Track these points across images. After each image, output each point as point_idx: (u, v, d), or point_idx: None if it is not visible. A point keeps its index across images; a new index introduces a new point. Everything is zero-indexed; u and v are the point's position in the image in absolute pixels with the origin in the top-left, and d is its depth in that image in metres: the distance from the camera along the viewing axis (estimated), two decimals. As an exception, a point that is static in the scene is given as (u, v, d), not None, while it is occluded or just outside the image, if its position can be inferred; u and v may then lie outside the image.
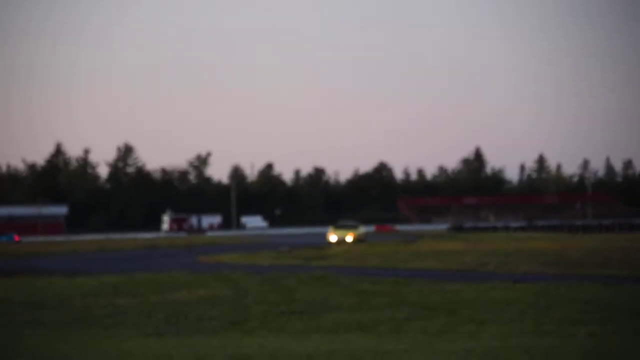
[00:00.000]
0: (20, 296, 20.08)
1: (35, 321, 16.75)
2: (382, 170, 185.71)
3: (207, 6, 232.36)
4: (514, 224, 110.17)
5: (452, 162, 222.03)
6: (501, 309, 16.43)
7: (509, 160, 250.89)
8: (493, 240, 61.24)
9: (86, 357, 11.64)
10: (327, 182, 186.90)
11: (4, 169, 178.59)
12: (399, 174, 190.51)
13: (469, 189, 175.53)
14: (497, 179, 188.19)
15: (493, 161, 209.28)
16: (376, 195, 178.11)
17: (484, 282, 21.70)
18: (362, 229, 66.41)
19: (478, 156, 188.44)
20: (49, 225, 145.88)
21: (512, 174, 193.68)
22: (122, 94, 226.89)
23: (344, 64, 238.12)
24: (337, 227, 66.68)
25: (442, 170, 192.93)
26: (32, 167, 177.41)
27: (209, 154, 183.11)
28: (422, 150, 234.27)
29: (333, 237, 63.16)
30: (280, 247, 54.65)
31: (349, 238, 62.61)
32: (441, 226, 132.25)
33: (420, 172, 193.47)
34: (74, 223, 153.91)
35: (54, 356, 11.57)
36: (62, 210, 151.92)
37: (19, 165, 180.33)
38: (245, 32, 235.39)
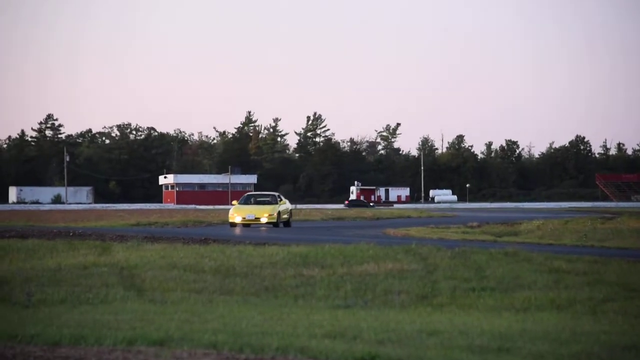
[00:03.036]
0: (212, 263, 20.35)
1: (226, 289, 16.90)
2: (579, 144, 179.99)
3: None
4: None
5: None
6: None
7: None
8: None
9: (276, 326, 11.58)
10: (520, 156, 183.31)
11: (196, 137, 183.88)
12: (597, 149, 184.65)
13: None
14: None
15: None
16: (572, 170, 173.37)
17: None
18: (285, 205, 45.97)
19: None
20: (239, 194, 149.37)
21: None
22: (312, 64, 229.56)
23: (545, 30, 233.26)
24: (246, 201, 46.44)
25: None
26: (223, 135, 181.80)
27: (398, 125, 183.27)
28: (623, 123, 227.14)
29: (237, 217, 43.58)
30: (470, 222, 53.78)
31: (264, 218, 43.40)
32: None
33: (620, 147, 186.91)
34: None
35: (244, 324, 11.55)
36: (251, 179, 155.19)
37: (210, 133, 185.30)
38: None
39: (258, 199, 46.53)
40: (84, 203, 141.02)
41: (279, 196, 46.71)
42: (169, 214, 70.80)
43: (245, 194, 48.73)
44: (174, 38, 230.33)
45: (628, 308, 13.99)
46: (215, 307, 14.09)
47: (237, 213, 43.96)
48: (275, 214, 43.92)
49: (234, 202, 46.56)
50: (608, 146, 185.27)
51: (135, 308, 13.96)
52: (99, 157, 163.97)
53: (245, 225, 43.62)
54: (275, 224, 43.81)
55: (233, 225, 43.68)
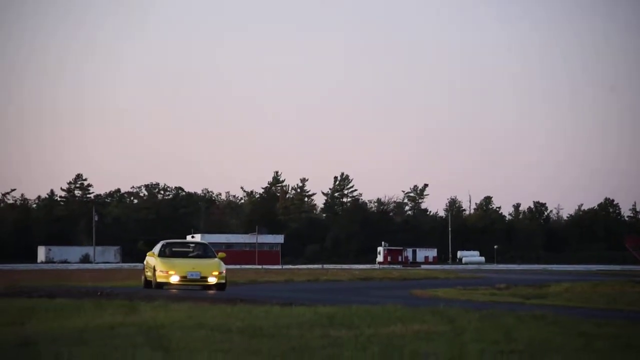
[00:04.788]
0: (239, 324, 20.31)
1: (253, 349, 16.85)
2: (608, 207, 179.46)
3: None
4: None
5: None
6: None
7: None
8: None
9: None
10: (548, 218, 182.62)
11: (224, 196, 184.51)
12: (626, 212, 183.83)
13: None
14: None
15: None
16: (601, 232, 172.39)
17: None
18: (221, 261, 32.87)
19: None
20: (266, 254, 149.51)
21: None
22: (340, 125, 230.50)
23: (575, 94, 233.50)
24: (165, 252, 32.96)
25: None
26: (250, 195, 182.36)
27: (425, 186, 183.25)
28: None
29: (174, 276, 31.31)
30: (498, 283, 53.43)
31: (212, 278, 31.68)
32: None
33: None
34: (290, 252, 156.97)
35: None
36: (278, 239, 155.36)
37: (238, 193, 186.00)
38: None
39: (181, 250, 33.86)
40: (112, 262, 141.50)
41: (210, 249, 34.42)
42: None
43: (164, 242, 34.38)
44: (201, 99, 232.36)
45: (659, 373, 13.84)
46: (242, 369, 14.05)
47: (171, 269, 31.55)
48: (224, 272, 32.31)
49: (149, 253, 33.66)
50: (638, 209, 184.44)
51: (162, 368, 13.96)
52: (127, 217, 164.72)
53: (178, 286, 31.74)
54: (222, 287, 32.00)
55: (160, 286, 31.21)
